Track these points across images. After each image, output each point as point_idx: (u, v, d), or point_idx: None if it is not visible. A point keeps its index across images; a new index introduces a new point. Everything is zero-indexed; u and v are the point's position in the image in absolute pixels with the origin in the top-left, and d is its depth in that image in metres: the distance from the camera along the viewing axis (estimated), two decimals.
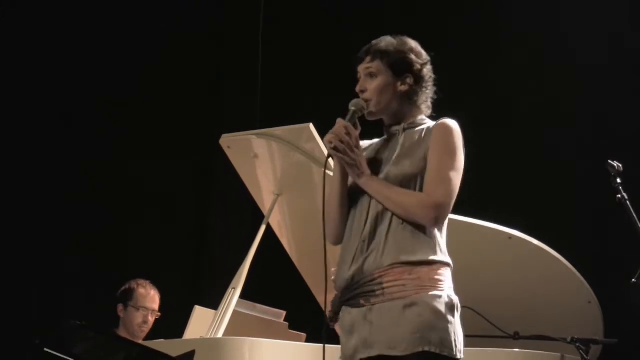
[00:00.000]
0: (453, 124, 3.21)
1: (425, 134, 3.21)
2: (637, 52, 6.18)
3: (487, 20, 6.58)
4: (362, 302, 3.12)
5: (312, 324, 4.90)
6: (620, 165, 4.29)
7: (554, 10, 6.41)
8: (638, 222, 4.24)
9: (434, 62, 3.32)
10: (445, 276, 3.14)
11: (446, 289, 3.12)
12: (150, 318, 5.37)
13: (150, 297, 5.39)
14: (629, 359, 5.43)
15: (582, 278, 4.75)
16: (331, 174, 3.27)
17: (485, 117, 6.19)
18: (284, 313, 5.07)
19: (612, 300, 5.04)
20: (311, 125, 4.52)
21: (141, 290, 5.38)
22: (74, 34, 6.53)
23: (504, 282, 4.77)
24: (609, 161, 4.31)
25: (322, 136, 4.47)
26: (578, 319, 4.78)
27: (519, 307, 4.77)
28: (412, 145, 3.21)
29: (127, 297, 5.37)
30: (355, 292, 3.14)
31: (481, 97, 6.42)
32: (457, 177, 3.16)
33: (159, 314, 5.40)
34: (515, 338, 4.60)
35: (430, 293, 3.07)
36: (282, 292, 5.66)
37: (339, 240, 3.27)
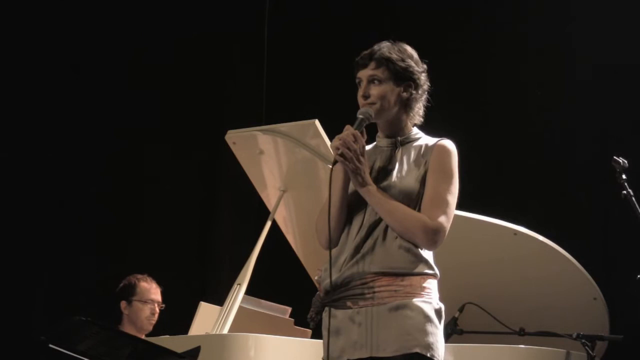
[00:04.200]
0: (452, 146, 3.25)
1: (424, 152, 3.24)
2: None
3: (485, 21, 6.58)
4: (348, 304, 3.16)
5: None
6: (626, 162, 4.29)
7: (555, 8, 6.40)
8: None
9: (433, 68, 3.34)
10: (434, 286, 3.19)
11: (434, 297, 3.17)
12: (157, 310, 5.39)
13: (153, 289, 5.41)
14: (635, 355, 5.43)
15: (587, 274, 4.75)
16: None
17: (490, 113, 6.18)
18: (289, 309, 5.07)
19: (617, 297, 5.04)
20: (317, 122, 4.53)
21: (143, 284, 5.40)
22: (78, 34, 6.53)
23: (509, 278, 4.76)
24: (615, 157, 4.31)
25: (327, 133, 4.51)
26: (584, 315, 4.78)
27: (525, 303, 4.76)
28: (413, 162, 3.23)
29: (130, 292, 5.38)
30: (343, 294, 3.16)
31: (483, 94, 6.41)
32: (454, 202, 3.21)
33: (163, 305, 5.41)
34: (520, 334, 4.59)
35: (421, 299, 3.12)
36: (288, 288, 5.66)
37: (333, 244, 3.22)
